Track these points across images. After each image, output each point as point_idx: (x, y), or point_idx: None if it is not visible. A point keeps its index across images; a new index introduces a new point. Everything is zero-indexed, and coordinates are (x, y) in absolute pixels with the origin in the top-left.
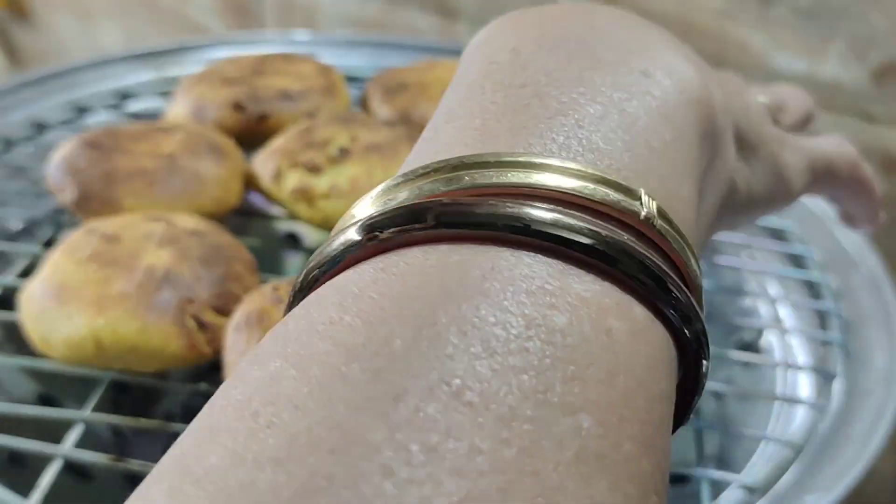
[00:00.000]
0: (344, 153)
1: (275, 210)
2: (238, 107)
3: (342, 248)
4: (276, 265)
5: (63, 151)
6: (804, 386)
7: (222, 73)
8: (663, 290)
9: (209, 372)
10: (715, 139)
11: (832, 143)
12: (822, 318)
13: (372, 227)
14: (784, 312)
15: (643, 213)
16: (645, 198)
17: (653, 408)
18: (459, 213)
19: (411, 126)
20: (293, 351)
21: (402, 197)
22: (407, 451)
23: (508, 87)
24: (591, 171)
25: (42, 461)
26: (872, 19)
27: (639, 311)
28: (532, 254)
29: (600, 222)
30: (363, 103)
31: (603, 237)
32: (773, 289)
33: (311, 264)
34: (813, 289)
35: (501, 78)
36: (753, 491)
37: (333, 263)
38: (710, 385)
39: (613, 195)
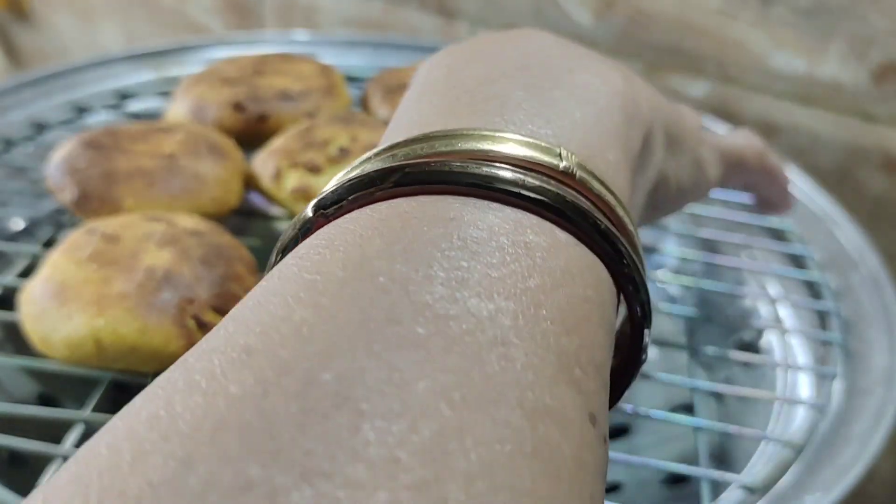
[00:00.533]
0: (344, 153)
1: (275, 210)
2: (238, 107)
3: (295, 228)
4: None
5: (63, 151)
6: (804, 386)
7: (222, 74)
8: (583, 219)
9: None
10: (645, 130)
11: (741, 138)
12: (822, 318)
13: (320, 205)
14: (784, 312)
15: (562, 165)
16: (564, 152)
17: (576, 304)
18: (403, 175)
19: None
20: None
21: (346, 178)
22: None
23: (443, 93)
24: (510, 135)
25: (42, 461)
26: (872, 19)
27: (561, 234)
28: (454, 196)
29: (521, 170)
30: (363, 103)
31: (521, 181)
32: (773, 289)
33: (275, 251)
34: (813, 289)
35: (437, 88)
36: (753, 491)
37: (294, 244)
38: (710, 385)
39: (532, 153)
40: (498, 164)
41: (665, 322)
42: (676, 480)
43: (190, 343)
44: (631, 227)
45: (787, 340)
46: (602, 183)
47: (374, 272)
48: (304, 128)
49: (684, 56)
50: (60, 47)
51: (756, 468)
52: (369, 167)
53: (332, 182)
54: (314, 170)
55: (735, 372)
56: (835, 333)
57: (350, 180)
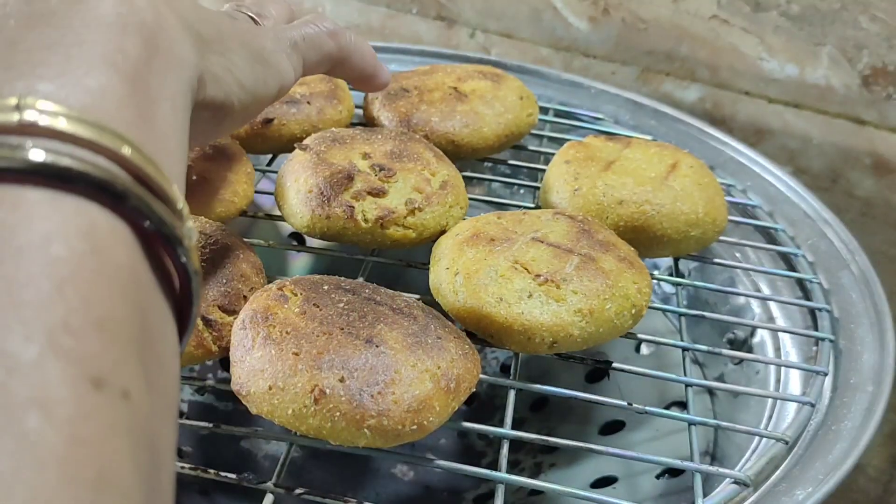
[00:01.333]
0: (382, 168)
1: (278, 211)
2: None
3: None
4: (282, 265)
5: None
6: (796, 383)
7: None
8: (46, 170)
9: (215, 368)
10: (145, 33)
11: (309, 22)
12: (813, 317)
13: None
14: (776, 311)
15: (17, 119)
16: (23, 101)
17: (57, 268)
18: None
19: (411, 129)
20: None
21: None
22: None
23: None
24: None
25: None
26: (863, 24)
27: (30, 194)
28: None
29: None
30: (364, 107)
31: None
32: (766, 288)
33: None
34: (804, 288)
35: None
36: (746, 485)
37: None
38: (704, 382)
39: None
40: None
41: (659, 320)
42: (671, 475)
43: (198, 340)
44: (125, 151)
45: (779, 338)
46: (74, 118)
47: None
48: (312, 159)
49: (678, 61)
50: None
51: (748, 463)
52: None
53: None
54: (381, 193)
55: (728, 369)
56: (826, 331)
57: None
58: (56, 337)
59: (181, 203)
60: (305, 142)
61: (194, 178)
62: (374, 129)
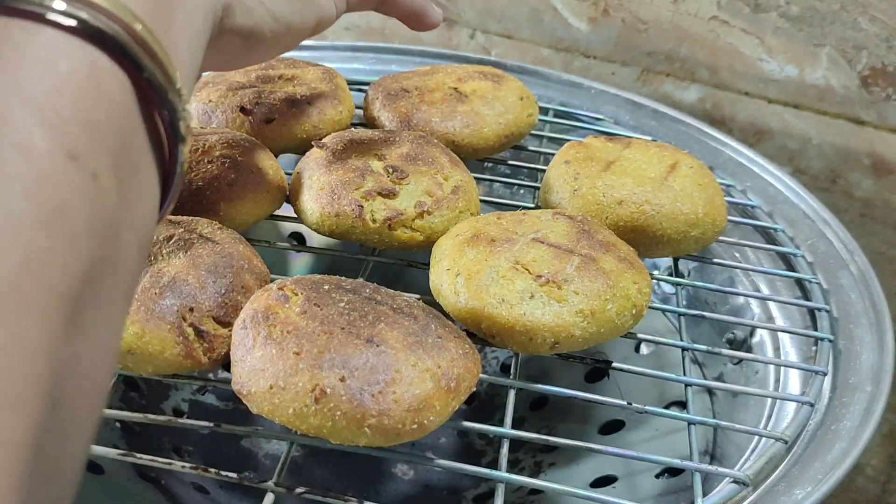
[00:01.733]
0: (395, 169)
1: (281, 211)
2: (245, 111)
3: None
4: (282, 265)
5: None
6: (795, 383)
7: (229, 78)
8: (64, 16)
9: (217, 369)
10: None
11: None
12: (812, 317)
13: None
14: (775, 311)
15: None
16: None
17: (60, 81)
18: None
19: (411, 129)
20: None
21: None
22: None
23: None
24: None
25: None
26: (862, 25)
27: (50, 33)
28: None
29: None
30: (365, 107)
31: None
32: (765, 288)
33: None
34: (803, 288)
35: None
36: (745, 485)
37: None
38: (703, 381)
39: None
40: None
41: (659, 320)
42: (670, 474)
43: (187, 350)
44: (137, 27)
45: (779, 338)
46: None
47: None
48: (327, 157)
49: (678, 62)
50: None
51: (748, 462)
52: None
53: None
54: (391, 194)
55: (727, 369)
56: (825, 331)
57: None
58: (46, 115)
59: (180, 83)
60: (324, 140)
61: (246, 170)
62: (394, 131)
